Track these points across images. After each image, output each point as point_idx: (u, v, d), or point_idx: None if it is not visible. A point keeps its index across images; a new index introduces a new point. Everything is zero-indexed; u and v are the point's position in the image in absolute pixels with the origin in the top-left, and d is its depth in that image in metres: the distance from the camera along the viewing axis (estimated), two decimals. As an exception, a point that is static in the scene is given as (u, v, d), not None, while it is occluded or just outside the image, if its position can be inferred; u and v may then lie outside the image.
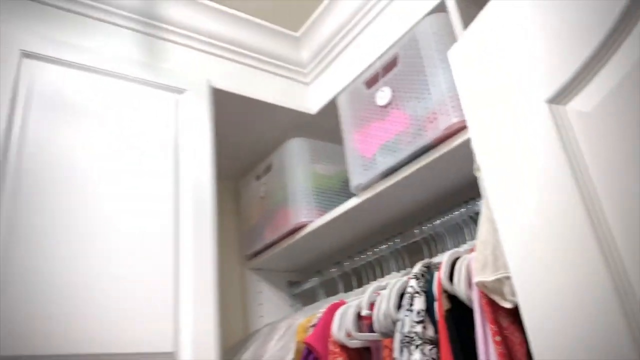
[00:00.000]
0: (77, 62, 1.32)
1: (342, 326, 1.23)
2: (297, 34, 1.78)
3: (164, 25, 1.55)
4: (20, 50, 1.25)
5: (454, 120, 1.16)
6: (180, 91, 1.45)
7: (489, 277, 0.84)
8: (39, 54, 1.28)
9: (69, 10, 1.40)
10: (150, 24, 1.52)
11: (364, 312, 1.20)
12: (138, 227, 1.21)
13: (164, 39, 1.54)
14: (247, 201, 1.95)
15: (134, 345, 1.08)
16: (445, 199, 1.41)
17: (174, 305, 1.17)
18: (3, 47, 1.23)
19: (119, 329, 1.08)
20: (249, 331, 1.76)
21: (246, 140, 1.84)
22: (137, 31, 1.50)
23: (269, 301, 1.83)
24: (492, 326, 0.87)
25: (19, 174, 1.12)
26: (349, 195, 1.48)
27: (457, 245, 1.26)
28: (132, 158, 1.28)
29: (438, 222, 1.33)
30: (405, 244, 1.43)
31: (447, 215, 1.30)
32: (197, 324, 1.18)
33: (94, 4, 1.44)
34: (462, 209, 1.25)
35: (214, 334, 1.19)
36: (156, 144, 1.34)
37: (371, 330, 1.19)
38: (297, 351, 1.30)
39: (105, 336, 1.06)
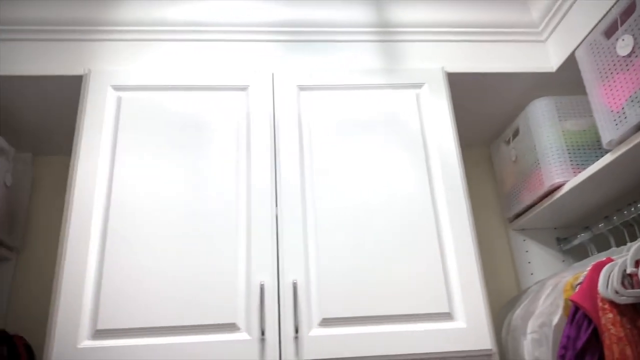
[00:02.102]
0: (338, 84, 1.62)
1: (608, 284, 1.25)
2: (523, -4, 1.77)
3: (397, 29, 1.76)
4: (297, 85, 1.62)
5: None
6: (419, 86, 1.64)
7: None
8: (311, 85, 1.62)
9: (324, 41, 1.73)
10: (385, 32, 1.75)
11: (629, 270, 1.20)
12: (402, 208, 1.45)
13: (399, 41, 1.75)
14: (500, 166, 2.03)
15: (417, 308, 1.32)
16: None
17: (442, 271, 1.37)
18: (285, 85, 1.61)
19: (403, 294, 1.34)
20: (521, 288, 1.87)
21: (489, 109, 1.92)
22: (375, 41, 1.74)
23: (537, 259, 1.89)
24: None
25: (312, 175, 1.49)
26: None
27: None
28: (388, 154, 1.52)
29: None
30: (678, 193, 1.34)
31: None
32: (464, 285, 1.36)
33: (342, 29, 1.74)
34: None
35: (481, 293, 1.35)
36: (405, 136, 1.55)
37: (642, 286, 1.18)
38: (565, 308, 1.37)
39: (393, 300, 1.33)
